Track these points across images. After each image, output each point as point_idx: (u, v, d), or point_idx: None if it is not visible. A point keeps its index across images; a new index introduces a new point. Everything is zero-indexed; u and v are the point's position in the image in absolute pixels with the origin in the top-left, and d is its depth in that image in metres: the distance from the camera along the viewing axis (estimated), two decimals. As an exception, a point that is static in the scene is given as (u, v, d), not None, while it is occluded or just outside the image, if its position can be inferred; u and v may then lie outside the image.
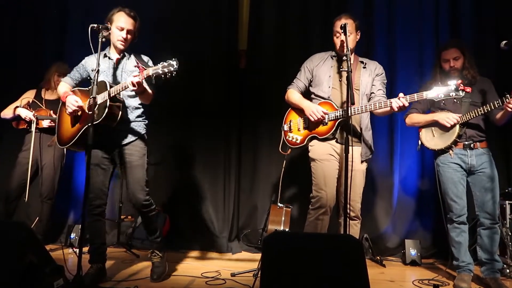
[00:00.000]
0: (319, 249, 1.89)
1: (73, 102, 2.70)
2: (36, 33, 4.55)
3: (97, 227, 2.83)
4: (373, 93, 2.94)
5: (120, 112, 2.68)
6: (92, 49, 2.54)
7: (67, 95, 2.76)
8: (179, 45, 4.21)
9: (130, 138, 2.82)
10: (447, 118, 2.93)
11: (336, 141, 2.87)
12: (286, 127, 3.05)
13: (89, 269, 2.75)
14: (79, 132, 2.74)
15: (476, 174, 2.96)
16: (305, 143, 2.95)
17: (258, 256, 3.57)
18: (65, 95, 2.77)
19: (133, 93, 2.76)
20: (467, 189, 3.01)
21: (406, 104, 2.60)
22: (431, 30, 4.12)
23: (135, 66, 2.60)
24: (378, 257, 3.73)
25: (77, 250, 2.37)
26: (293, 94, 3.05)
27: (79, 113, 2.76)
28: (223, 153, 4.25)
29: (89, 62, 2.87)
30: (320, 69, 2.99)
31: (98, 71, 2.51)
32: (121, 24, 2.75)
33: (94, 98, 2.47)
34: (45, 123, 3.69)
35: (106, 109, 2.58)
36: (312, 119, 2.86)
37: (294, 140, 2.99)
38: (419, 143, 3.14)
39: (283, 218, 3.28)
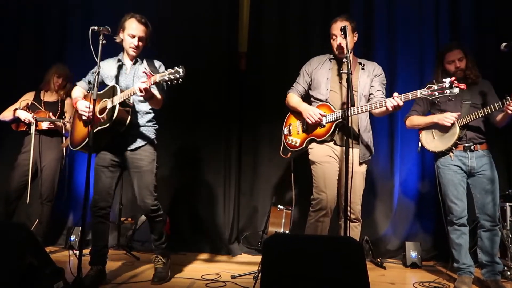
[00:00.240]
0: (319, 251, 1.88)
1: (83, 108, 2.74)
2: (37, 33, 4.56)
3: (100, 229, 2.84)
4: (371, 94, 2.93)
5: (130, 117, 2.71)
6: (93, 52, 2.54)
7: (77, 101, 2.81)
8: (179, 46, 4.22)
9: (140, 142, 2.84)
10: (445, 117, 2.94)
11: (335, 143, 2.87)
12: (286, 131, 3.07)
13: (89, 271, 2.75)
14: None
15: (477, 176, 2.96)
16: (304, 145, 2.95)
17: (258, 258, 3.57)
18: (75, 101, 2.83)
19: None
20: (467, 191, 3.01)
21: (401, 103, 2.57)
22: (431, 30, 4.12)
23: (143, 72, 2.63)
24: (378, 259, 3.72)
25: (77, 252, 2.37)
26: (292, 98, 3.06)
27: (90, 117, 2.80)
28: (223, 154, 4.25)
29: (103, 66, 2.90)
30: (318, 72, 3.00)
31: (98, 73, 2.53)
32: (132, 31, 2.79)
33: (95, 100, 2.49)
34: (45, 125, 3.70)
35: (115, 114, 2.62)
36: (310, 122, 2.87)
37: (293, 143, 3.00)
38: (419, 145, 3.15)
39: (283, 220, 3.29)
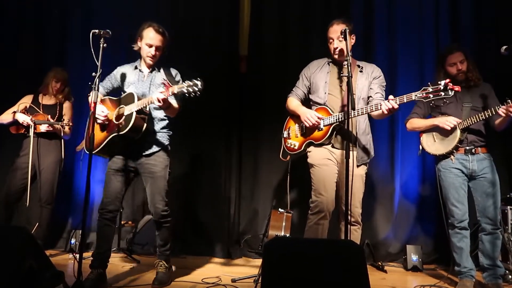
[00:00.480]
0: (320, 254, 1.88)
1: (99, 112, 2.76)
2: (37, 33, 4.57)
3: (106, 232, 2.85)
4: (370, 96, 2.92)
5: (145, 124, 2.76)
6: (94, 55, 2.55)
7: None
8: (179, 47, 4.22)
9: (154, 148, 2.88)
10: (447, 121, 2.93)
11: (333, 146, 2.87)
12: (285, 134, 3.08)
13: (90, 274, 2.74)
14: (105, 140, 2.81)
15: (478, 179, 2.96)
16: (302, 148, 2.96)
17: (258, 261, 3.56)
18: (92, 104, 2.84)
19: None
20: (468, 194, 3.00)
21: (396, 106, 2.54)
22: (431, 30, 4.13)
23: (161, 83, 2.67)
24: (379, 263, 3.72)
25: (77, 256, 2.37)
26: (292, 102, 3.08)
27: (106, 122, 2.83)
28: (224, 158, 4.25)
29: (120, 72, 2.95)
30: (317, 76, 3.01)
31: (99, 76, 2.53)
32: (150, 41, 2.83)
33: (95, 103, 2.51)
34: (43, 128, 3.71)
35: (132, 121, 2.66)
36: (307, 125, 2.88)
37: (292, 146, 3.01)
38: (420, 148, 3.14)
39: (283, 224, 3.28)
